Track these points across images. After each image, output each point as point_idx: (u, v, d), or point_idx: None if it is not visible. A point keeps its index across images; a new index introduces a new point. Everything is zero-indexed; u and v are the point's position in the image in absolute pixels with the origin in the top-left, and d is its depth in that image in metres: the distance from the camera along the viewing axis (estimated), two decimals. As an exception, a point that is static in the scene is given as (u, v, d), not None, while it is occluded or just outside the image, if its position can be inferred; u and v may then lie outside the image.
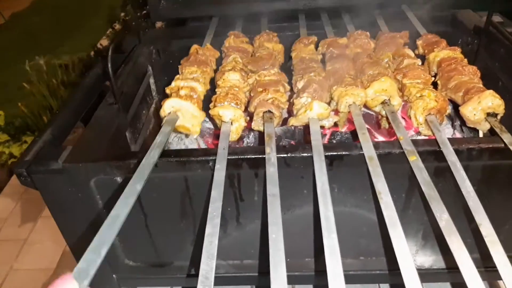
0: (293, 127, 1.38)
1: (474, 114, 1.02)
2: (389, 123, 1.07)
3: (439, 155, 0.90)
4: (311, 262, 1.09)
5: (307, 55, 1.33)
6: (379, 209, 0.78)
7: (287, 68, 1.40)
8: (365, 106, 1.14)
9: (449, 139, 0.92)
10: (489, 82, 1.15)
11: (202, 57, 1.31)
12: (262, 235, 1.02)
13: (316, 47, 1.43)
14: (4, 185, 3.45)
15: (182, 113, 1.01)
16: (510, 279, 0.67)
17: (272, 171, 0.86)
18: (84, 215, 1.01)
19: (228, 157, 0.91)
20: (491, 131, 1.01)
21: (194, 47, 1.39)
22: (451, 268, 1.08)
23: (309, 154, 0.91)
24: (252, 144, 1.34)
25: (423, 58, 1.35)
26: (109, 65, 1.06)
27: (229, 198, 0.99)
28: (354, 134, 1.32)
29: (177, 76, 1.22)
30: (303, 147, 0.93)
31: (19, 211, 3.20)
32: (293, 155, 0.92)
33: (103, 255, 0.62)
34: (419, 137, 1.21)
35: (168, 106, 1.02)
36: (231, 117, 1.05)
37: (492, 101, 1.00)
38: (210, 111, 1.08)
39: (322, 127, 1.07)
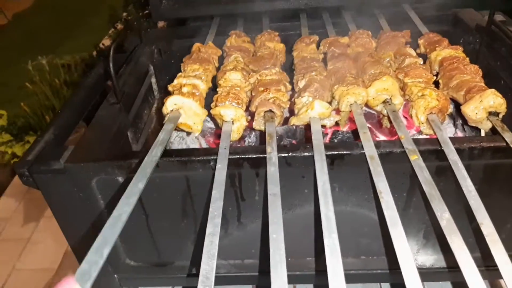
0: (294, 127, 1.38)
1: (476, 113, 1.02)
2: (390, 122, 1.06)
3: (440, 154, 0.90)
4: (312, 262, 1.09)
5: (308, 54, 1.33)
6: (380, 209, 0.78)
7: (288, 67, 1.40)
8: (367, 105, 1.14)
9: (450, 138, 0.92)
10: (491, 81, 1.15)
11: (204, 55, 1.32)
12: (263, 234, 1.02)
13: (318, 46, 1.42)
14: (7, 185, 3.46)
15: (184, 110, 1.01)
16: (511, 278, 0.66)
17: (273, 170, 0.86)
18: (86, 215, 1.02)
19: (229, 157, 0.91)
20: (493, 130, 1.01)
21: (196, 45, 1.39)
22: (452, 267, 1.08)
23: (310, 154, 0.90)
24: (253, 144, 1.34)
25: (425, 57, 1.34)
26: (111, 65, 1.06)
27: (230, 198, 0.99)
28: (355, 133, 1.32)
29: (179, 73, 1.22)
30: (304, 146, 0.93)
31: (22, 211, 3.21)
32: (294, 154, 0.92)
33: (105, 256, 0.63)
34: (420, 136, 1.20)
35: (171, 103, 1.02)
36: (232, 116, 1.05)
37: (493, 100, 1.00)
38: (211, 111, 1.08)
39: (323, 126, 1.07)
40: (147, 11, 1.75)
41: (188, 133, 1.30)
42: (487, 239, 0.73)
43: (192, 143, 1.36)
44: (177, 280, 1.15)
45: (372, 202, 0.98)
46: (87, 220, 1.02)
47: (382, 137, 1.37)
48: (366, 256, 1.09)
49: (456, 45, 1.30)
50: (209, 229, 0.73)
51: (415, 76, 1.14)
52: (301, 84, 1.16)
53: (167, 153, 0.93)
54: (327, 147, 0.91)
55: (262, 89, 1.12)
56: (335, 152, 0.91)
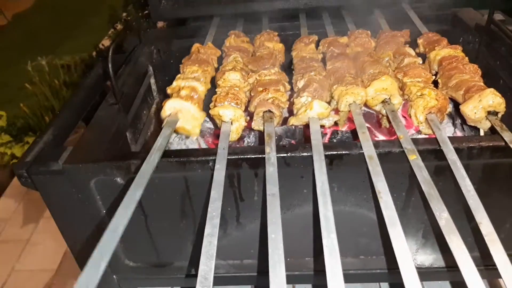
0: (293, 127, 1.38)
1: (475, 113, 1.02)
2: (389, 122, 1.06)
3: (439, 154, 0.90)
4: (311, 262, 1.09)
5: (307, 54, 1.33)
6: (379, 208, 0.78)
7: (287, 67, 1.40)
8: (366, 105, 1.14)
9: (449, 137, 0.92)
10: (490, 80, 1.15)
11: (203, 56, 1.31)
12: (261, 234, 1.01)
13: (317, 46, 1.42)
14: (6, 186, 3.45)
15: (182, 114, 1.01)
16: (510, 277, 0.66)
17: (271, 170, 0.86)
18: (85, 216, 1.02)
19: (228, 157, 0.91)
20: (492, 130, 1.01)
21: (196, 45, 1.39)
22: (451, 267, 1.08)
23: (309, 154, 0.90)
24: (252, 144, 1.34)
25: (424, 56, 1.34)
26: (110, 65, 1.06)
27: (229, 198, 0.99)
28: (354, 133, 1.31)
29: (178, 75, 1.22)
30: (303, 146, 0.93)
31: (21, 212, 3.21)
32: (293, 154, 0.92)
33: (102, 270, 0.62)
34: (419, 136, 1.20)
35: (169, 107, 1.02)
36: (231, 117, 1.05)
37: (492, 99, 1.00)
38: (210, 111, 1.07)
39: (322, 126, 1.06)
40: (146, 12, 1.74)
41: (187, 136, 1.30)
42: (486, 238, 0.73)
43: (191, 143, 1.37)
44: (176, 280, 1.15)
45: (371, 202, 0.98)
46: (85, 221, 1.02)
47: (381, 137, 1.37)
48: (365, 256, 1.09)
49: (456, 44, 1.30)
50: (207, 229, 0.73)
51: (414, 75, 1.14)
52: (300, 84, 1.16)
53: (166, 153, 0.93)
54: (326, 147, 0.91)
55: (261, 89, 1.12)
56: (334, 152, 0.91)
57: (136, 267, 1.13)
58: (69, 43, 5.88)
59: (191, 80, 1.16)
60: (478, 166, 0.93)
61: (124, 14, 4.69)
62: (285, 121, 1.17)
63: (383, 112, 1.11)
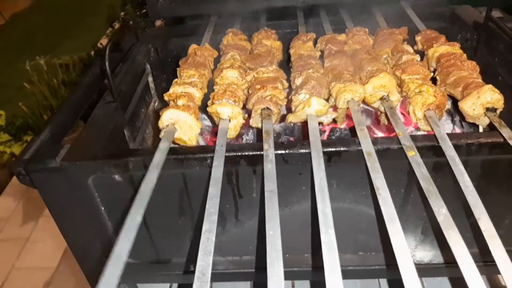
0: (292, 124, 1.38)
1: (473, 109, 1.02)
2: (388, 119, 1.06)
3: (438, 150, 0.90)
4: (309, 258, 1.09)
5: (305, 51, 1.33)
6: (377, 205, 0.78)
7: (285, 65, 1.40)
8: (364, 102, 1.14)
9: (448, 134, 0.91)
10: (488, 77, 1.14)
11: (200, 59, 1.31)
12: (260, 231, 1.02)
13: (315, 44, 1.42)
14: (6, 185, 3.46)
15: (179, 125, 1.01)
16: (509, 273, 0.66)
17: (270, 167, 0.85)
18: (83, 214, 1.02)
19: (226, 154, 0.91)
20: (491, 126, 1.01)
21: (192, 47, 1.38)
22: (450, 263, 1.08)
23: (307, 151, 0.90)
24: (251, 142, 1.34)
25: (422, 54, 1.34)
26: (107, 64, 1.06)
27: (228, 195, 0.99)
28: (353, 130, 1.31)
29: (175, 80, 1.21)
30: (301, 143, 0.92)
31: (21, 211, 3.22)
32: (291, 151, 0.91)
33: None
34: (418, 133, 1.20)
35: (167, 118, 1.01)
36: (229, 114, 1.05)
37: (491, 95, 1.00)
38: (208, 109, 1.07)
39: (320, 123, 1.06)
40: (144, 11, 1.74)
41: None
42: (484, 234, 0.73)
43: (190, 141, 1.36)
44: (175, 277, 1.15)
45: (370, 199, 0.98)
46: (84, 219, 1.02)
47: (380, 134, 1.37)
48: (364, 252, 1.09)
49: (454, 42, 1.30)
50: (205, 226, 0.73)
51: (412, 72, 1.14)
52: (298, 81, 1.16)
53: (164, 150, 0.92)
54: (324, 144, 0.91)
55: (259, 86, 1.12)
56: (332, 149, 0.91)
57: (135, 263, 1.13)
58: (67, 42, 5.87)
59: (188, 86, 1.15)
60: (476, 162, 0.93)
61: (122, 13, 4.69)
62: (283, 118, 1.17)
63: (382, 109, 1.11)
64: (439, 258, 1.09)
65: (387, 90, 1.09)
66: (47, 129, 1.06)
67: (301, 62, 1.25)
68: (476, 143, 0.90)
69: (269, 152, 0.89)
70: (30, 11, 7.75)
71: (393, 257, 0.68)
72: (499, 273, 0.67)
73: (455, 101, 1.14)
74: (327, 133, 1.37)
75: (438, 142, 0.90)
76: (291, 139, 1.34)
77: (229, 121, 1.05)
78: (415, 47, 1.38)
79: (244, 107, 1.14)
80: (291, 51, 1.39)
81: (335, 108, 1.12)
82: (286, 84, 1.20)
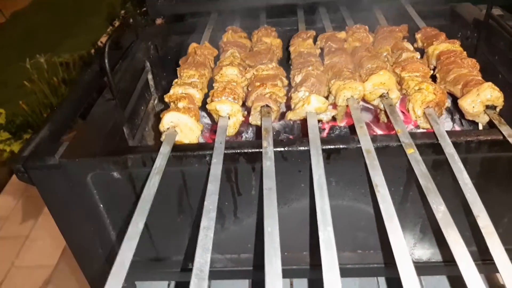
0: (291, 122, 1.38)
1: (473, 107, 1.02)
2: (387, 116, 1.06)
3: (437, 148, 0.89)
4: (308, 256, 1.09)
5: (305, 49, 1.32)
6: (376, 203, 0.77)
7: (285, 63, 1.39)
8: (364, 100, 1.13)
9: (447, 131, 0.91)
10: (488, 75, 1.14)
11: (200, 58, 1.30)
12: (259, 229, 1.01)
13: (315, 41, 1.42)
14: (5, 183, 3.46)
15: (180, 128, 1.01)
16: (507, 272, 0.66)
17: (269, 165, 0.85)
18: (82, 211, 1.01)
19: (225, 151, 0.90)
20: (490, 124, 1.01)
21: (192, 46, 1.38)
22: (449, 261, 1.07)
23: (306, 148, 0.90)
24: (250, 139, 1.34)
25: (422, 51, 1.34)
26: (106, 61, 1.06)
27: (227, 193, 0.98)
28: (352, 128, 1.31)
29: (176, 80, 1.21)
30: (301, 140, 0.92)
31: (21, 209, 3.21)
32: (290, 149, 0.91)
33: None
34: (418, 131, 1.20)
35: (167, 121, 1.00)
36: (228, 111, 1.04)
37: (491, 93, 1.00)
38: (207, 106, 1.07)
39: (320, 121, 1.06)
40: (144, 9, 1.74)
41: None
42: (483, 231, 0.72)
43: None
44: (174, 274, 1.15)
45: (369, 196, 0.98)
46: (82, 216, 1.02)
47: (379, 132, 1.37)
48: (363, 250, 1.09)
49: (454, 39, 1.30)
50: (204, 222, 0.73)
51: (412, 70, 1.14)
52: (298, 78, 1.15)
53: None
54: (324, 141, 0.91)
55: (258, 84, 1.12)
56: (332, 146, 0.91)
57: (134, 261, 1.12)
58: (68, 41, 5.86)
59: (188, 86, 1.15)
60: (476, 160, 0.93)
61: (123, 11, 4.69)
62: (283, 116, 1.17)
63: (381, 106, 1.11)
64: (437, 257, 1.09)
65: (387, 88, 1.08)
66: (46, 127, 1.06)
67: (301, 59, 1.25)
68: (476, 140, 0.90)
69: (268, 150, 0.89)
70: (30, 9, 7.74)
71: (391, 255, 0.67)
72: (498, 272, 0.67)
73: (455, 100, 1.13)
74: (326, 131, 1.37)
75: (437, 139, 0.90)
76: (291, 137, 1.34)
77: (229, 118, 1.05)
78: (415, 45, 1.38)
79: (243, 105, 1.14)
80: (291, 49, 1.39)
81: (334, 105, 1.12)
82: (286, 82, 1.20)
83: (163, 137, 0.99)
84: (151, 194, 0.83)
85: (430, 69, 1.19)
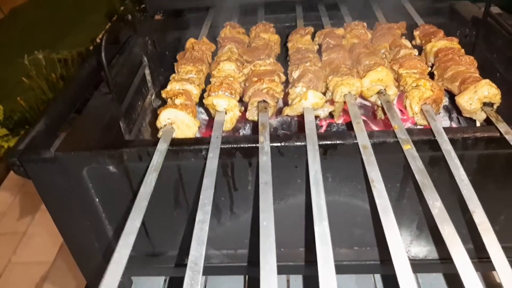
0: (289, 119, 1.37)
1: (470, 104, 1.02)
2: (384, 113, 1.06)
3: (434, 144, 0.89)
4: (304, 252, 1.09)
5: (303, 45, 1.32)
6: (373, 199, 0.77)
7: (283, 59, 1.39)
8: (361, 96, 1.13)
9: (444, 128, 0.91)
10: (487, 73, 1.14)
11: (198, 54, 1.30)
12: (255, 224, 1.01)
13: (313, 38, 1.42)
14: (3, 179, 3.45)
15: (177, 125, 1.00)
16: (503, 269, 0.66)
17: (265, 159, 0.85)
18: (77, 205, 1.01)
19: (222, 146, 0.90)
20: (488, 121, 1.01)
21: (190, 41, 1.38)
22: (445, 259, 1.07)
23: (302, 143, 0.90)
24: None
25: (420, 48, 1.34)
26: (103, 55, 1.05)
27: (223, 188, 0.98)
28: (350, 126, 1.31)
29: (173, 75, 1.21)
30: (297, 136, 0.92)
31: (18, 205, 3.21)
32: (286, 144, 0.91)
33: None
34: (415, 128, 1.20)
35: (164, 118, 1.00)
36: (225, 106, 1.04)
37: (488, 90, 0.99)
38: (204, 100, 1.07)
39: (317, 117, 1.06)
40: (143, 5, 1.74)
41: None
42: (479, 228, 0.72)
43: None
44: (170, 270, 1.15)
45: (365, 193, 0.98)
46: (78, 210, 1.02)
47: (376, 129, 1.36)
48: (359, 247, 1.09)
49: (452, 37, 1.29)
50: (199, 216, 0.73)
51: (410, 67, 1.14)
52: (295, 74, 1.15)
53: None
54: (320, 136, 0.90)
55: (255, 79, 1.12)
56: (328, 142, 0.90)
57: (130, 256, 1.12)
58: (66, 37, 5.85)
59: (185, 82, 1.14)
60: (473, 157, 0.93)
61: (122, 8, 4.68)
62: (280, 112, 1.16)
63: (378, 103, 1.11)
64: (434, 254, 1.09)
65: (384, 84, 1.08)
66: (42, 121, 1.05)
67: (299, 55, 1.24)
68: (472, 137, 0.89)
69: (265, 145, 0.88)
70: (29, 5, 7.72)
71: (388, 252, 0.67)
72: (494, 270, 0.66)
73: (453, 98, 1.13)
74: (324, 128, 1.37)
75: (434, 136, 0.90)
76: (288, 133, 1.34)
77: (225, 113, 1.04)
78: (413, 42, 1.38)
79: (241, 100, 1.13)
80: (289, 45, 1.38)
81: (332, 102, 1.12)
82: (283, 77, 1.19)
83: (160, 134, 0.98)
84: (148, 191, 0.82)
85: (428, 66, 1.19)
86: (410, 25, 1.45)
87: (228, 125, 1.05)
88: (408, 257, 0.66)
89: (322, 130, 1.36)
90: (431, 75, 1.18)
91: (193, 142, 0.94)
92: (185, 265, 0.66)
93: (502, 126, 0.91)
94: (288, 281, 1.27)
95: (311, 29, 1.43)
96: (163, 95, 1.11)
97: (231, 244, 1.10)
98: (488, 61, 1.32)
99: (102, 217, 1.04)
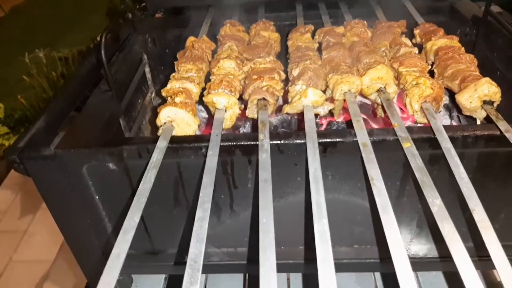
0: (289, 117, 1.37)
1: (470, 102, 1.01)
2: (384, 111, 1.06)
3: (434, 142, 0.89)
4: (303, 250, 1.09)
5: (303, 43, 1.32)
6: (372, 197, 0.77)
7: (283, 57, 1.39)
8: (361, 94, 1.13)
9: (444, 126, 0.91)
10: (487, 72, 1.14)
11: (198, 52, 1.30)
12: (255, 222, 1.01)
13: (313, 36, 1.42)
14: (4, 177, 3.45)
15: (177, 123, 1.00)
16: (503, 267, 0.66)
17: (264, 157, 0.85)
18: (77, 202, 1.01)
19: (221, 144, 0.90)
20: (488, 119, 1.00)
21: (190, 40, 1.38)
22: (445, 257, 1.07)
23: (302, 141, 0.90)
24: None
25: (420, 47, 1.34)
26: (102, 52, 1.05)
27: (223, 185, 0.98)
28: (350, 124, 1.31)
29: (173, 74, 1.21)
30: (297, 133, 0.92)
31: (19, 203, 3.21)
32: (286, 142, 0.91)
33: None
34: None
35: (164, 116, 1.00)
36: (225, 104, 1.04)
37: (488, 88, 0.99)
38: (204, 98, 1.07)
39: (317, 115, 1.06)
40: (144, 4, 1.74)
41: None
42: (479, 225, 0.72)
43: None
44: (170, 267, 1.15)
45: (365, 191, 0.97)
46: (78, 207, 1.02)
47: (376, 127, 1.36)
48: (359, 245, 1.09)
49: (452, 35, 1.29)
50: (198, 213, 0.73)
51: (410, 65, 1.14)
52: (295, 72, 1.15)
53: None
54: (320, 134, 0.90)
55: (255, 77, 1.12)
56: (328, 140, 0.90)
57: (130, 254, 1.12)
58: (67, 36, 5.85)
59: (185, 81, 1.14)
60: (473, 155, 0.93)
61: (122, 7, 4.68)
62: (280, 110, 1.16)
63: (378, 101, 1.11)
64: (434, 252, 1.08)
65: (384, 82, 1.08)
66: (42, 118, 1.05)
67: (299, 53, 1.24)
68: (472, 135, 0.89)
69: (264, 142, 0.88)
70: (30, 4, 7.71)
71: (388, 250, 0.67)
72: (494, 268, 0.66)
73: (453, 97, 1.13)
74: (324, 126, 1.37)
75: (434, 134, 0.90)
76: (288, 131, 1.34)
77: (225, 111, 1.04)
78: (414, 40, 1.38)
79: (240, 98, 1.13)
80: (289, 43, 1.38)
81: (331, 100, 1.12)
82: (283, 75, 1.19)
83: (159, 132, 0.98)
84: (147, 188, 0.82)
85: (428, 65, 1.19)
86: (410, 23, 1.45)
87: (228, 123, 1.05)
88: (408, 255, 0.66)
89: (322, 128, 1.36)
90: (431, 74, 1.18)
91: (192, 139, 0.94)
92: (185, 263, 0.66)
93: (502, 124, 0.91)
94: (288, 279, 1.27)
95: (311, 27, 1.43)
96: (163, 94, 1.11)
97: (231, 242, 1.10)
98: (488, 60, 1.32)
99: (102, 215, 1.04)
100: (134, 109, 1.32)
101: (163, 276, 1.31)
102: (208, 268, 1.15)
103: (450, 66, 1.13)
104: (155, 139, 0.92)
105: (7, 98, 4.03)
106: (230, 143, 0.91)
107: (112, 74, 1.14)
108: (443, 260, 1.08)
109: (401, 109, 1.36)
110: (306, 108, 1.02)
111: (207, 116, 1.41)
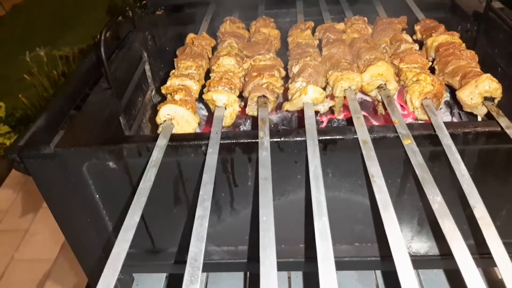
0: (290, 115, 1.37)
1: (471, 98, 1.01)
2: (385, 108, 1.05)
3: (434, 139, 0.89)
4: (304, 249, 1.08)
5: (303, 40, 1.31)
6: (373, 194, 0.77)
7: (284, 54, 1.38)
8: (362, 91, 1.13)
9: (445, 123, 0.90)
10: (488, 68, 1.13)
11: (198, 49, 1.29)
12: (255, 220, 1.01)
13: (313, 32, 1.41)
14: (5, 176, 3.46)
15: (177, 120, 1.00)
16: (505, 265, 0.65)
17: (264, 155, 0.85)
18: (77, 201, 1.01)
19: (221, 141, 0.90)
20: (488, 116, 1.00)
21: (190, 36, 1.37)
22: (446, 255, 1.07)
23: (302, 138, 0.89)
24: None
25: (421, 43, 1.33)
26: (102, 50, 1.05)
27: (223, 183, 0.98)
28: (350, 122, 1.30)
29: (173, 71, 1.20)
30: (297, 131, 0.92)
31: (20, 202, 3.21)
32: (286, 139, 0.90)
33: None
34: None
35: (164, 113, 1.00)
36: (224, 101, 1.04)
37: (489, 84, 0.99)
38: (203, 96, 1.06)
39: (317, 112, 1.05)
40: (144, 1, 1.73)
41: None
42: (479, 222, 0.72)
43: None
44: (170, 266, 1.15)
45: (365, 188, 0.97)
46: (78, 206, 1.02)
47: (377, 124, 1.36)
48: (360, 243, 1.09)
49: (453, 31, 1.29)
50: (198, 212, 0.73)
51: (410, 61, 1.13)
52: (295, 69, 1.15)
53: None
54: (320, 131, 0.90)
55: (255, 74, 1.11)
56: (328, 137, 0.90)
57: (131, 253, 1.12)
58: (68, 34, 5.85)
59: (185, 78, 1.14)
60: (473, 152, 0.92)
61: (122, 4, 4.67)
62: (280, 107, 1.16)
63: (379, 98, 1.10)
64: (435, 250, 1.08)
65: (385, 79, 1.08)
66: (42, 117, 1.05)
67: (299, 50, 1.24)
68: (473, 132, 0.89)
69: (265, 140, 0.88)
70: (31, 2, 7.71)
71: (388, 248, 0.67)
72: (496, 266, 0.66)
73: (454, 94, 1.13)
74: (324, 124, 1.36)
75: (434, 130, 0.89)
76: (288, 129, 1.33)
77: (225, 108, 1.04)
78: (414, 37, 1.37)
79: (240, 96, 1.13)
80: (289, 40, 1.38)
81: (332, 97, 1.11)
82: (283, 72, 1.19)
83: (159, 130, 0.98)
84: (148, 187, 0.82)
85: (429, 61, 1.18)
86: (411, 19, 1.44)
87: (228, 121, 1.04)
88: (409, 253, 0.65)
89: (323, 126, 1.35)
90: (432, 70, 1.17)
91: (192, 137, 0.93)
92: (185, 262, 0.66)
93: (503, 121, 0.90)
94: (289, 277, 1.27)
95: (312, 23, 1.42)
96: (163, 91, 1.11)
97: (232, 240, 1.09)
98: (489, 56, 1.32)
99: (102, 213, 1.04)
100: (134, 107, 1.32)
101: (164, 274, 1.31)
102: (209, 267, 1.15)
103: (450, 62, 1.13)
104: (155, 137, 0.92)
105: (8, 97, 4.03)
106: (230, 141, 0.91)
107: (112, 72, 1.14)
108: (444, 257, 1.08)
109: (401, 105, 1.36)
110: (306, 105, 1.01)
111: (207, 113, 1.41)
